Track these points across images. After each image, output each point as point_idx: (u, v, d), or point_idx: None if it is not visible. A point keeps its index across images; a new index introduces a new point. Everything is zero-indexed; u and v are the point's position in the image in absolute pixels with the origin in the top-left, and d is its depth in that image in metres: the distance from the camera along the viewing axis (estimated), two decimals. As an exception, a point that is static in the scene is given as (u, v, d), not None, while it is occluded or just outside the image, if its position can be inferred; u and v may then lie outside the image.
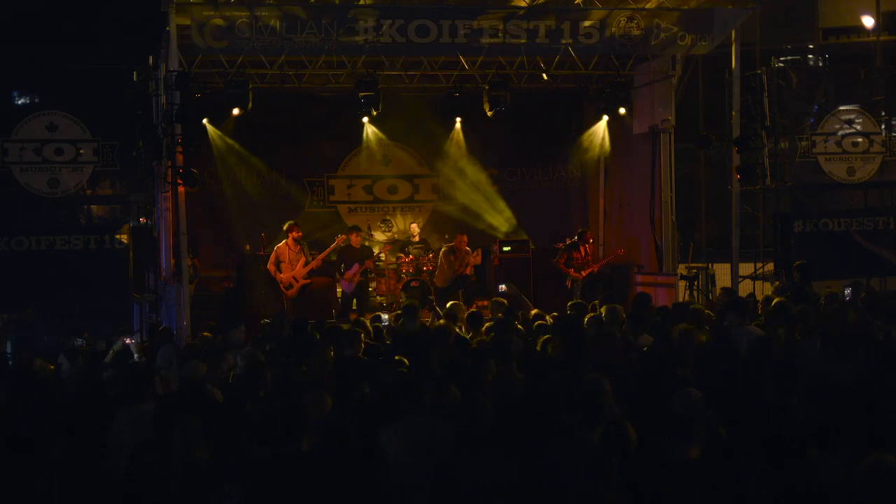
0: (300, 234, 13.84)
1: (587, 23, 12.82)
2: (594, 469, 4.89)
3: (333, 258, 14.54)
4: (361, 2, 12.50)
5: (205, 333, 9.62)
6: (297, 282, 13.68)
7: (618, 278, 15.71)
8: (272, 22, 11.97)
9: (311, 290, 14.08)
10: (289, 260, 13.68)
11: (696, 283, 14.65)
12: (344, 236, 14.51)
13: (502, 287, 14.47)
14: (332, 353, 7.81)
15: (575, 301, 10.83)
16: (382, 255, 15.94)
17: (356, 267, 14.23)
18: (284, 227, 13.90)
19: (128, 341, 11.19)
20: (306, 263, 13.76)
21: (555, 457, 5.14)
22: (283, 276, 13.65)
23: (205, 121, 15.09)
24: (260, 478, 4.94)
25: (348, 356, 7.57)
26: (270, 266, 13.74)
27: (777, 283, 13.76)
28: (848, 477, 4.53)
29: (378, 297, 16.09)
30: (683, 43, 13.11)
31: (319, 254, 14.08)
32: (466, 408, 5.20)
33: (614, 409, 5.47)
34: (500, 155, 17.44)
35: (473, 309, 10.87)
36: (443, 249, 15.14)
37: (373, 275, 16.42)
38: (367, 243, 15.55)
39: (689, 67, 15.01)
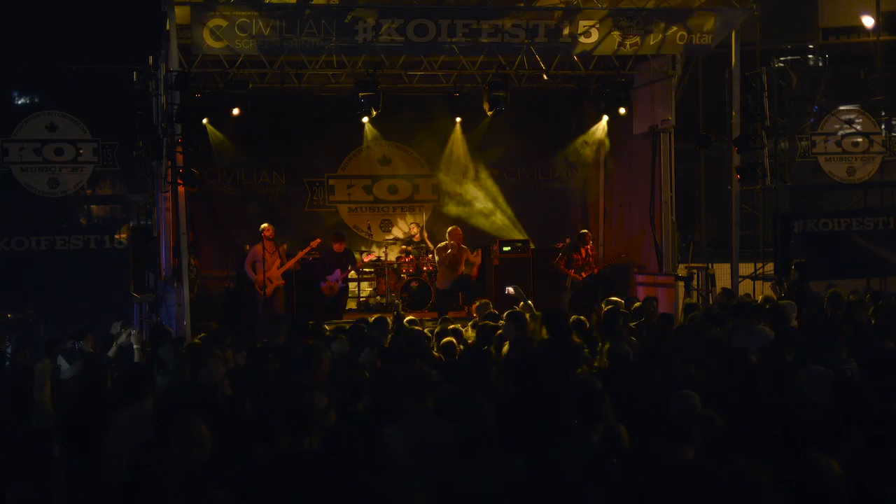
0: (271, 233, 13.88)
1: (587, 23, 12.82)
2: (593, 469, 4.90)
3: (316, 254, 14.65)
4: (361, 1, 12.50)
5: (202, 334, 9.61)
6: (272, 282, 13.73)
7: (618, 279, 15.70)
8: (272, 22, 11.97)
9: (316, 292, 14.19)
10: (263, 260, 13.69)
11: (692, 283, 14.58)
12: (318, 240, 14.57)
13: (509, 290, 14.45)
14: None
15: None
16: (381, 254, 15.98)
17: (338, 273, 14.39)
18: (260, 229, 13.93)
19: (132, 332, 11.17)
20: (281, 264, 13.83)
21: (554, 457, 5.14)
22: (258, 277, 13.67)
23: (205, 121, 15.08)
24: (261, 477, 4.94)
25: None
26: (247, 266, 13.76)
27: (774, 280, 13.76)
28: (847, 476, 4.53)
29: (379, 298, 16.10)
30: (683, 43, 13.11)
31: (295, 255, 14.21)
32: (469, 409, 5.19)
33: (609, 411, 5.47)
34: (500, 155, 17.42)
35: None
36: (438, 246, 15.13)
37: (373, 274, 16.46)
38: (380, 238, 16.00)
39: (689, 67, 15.00)
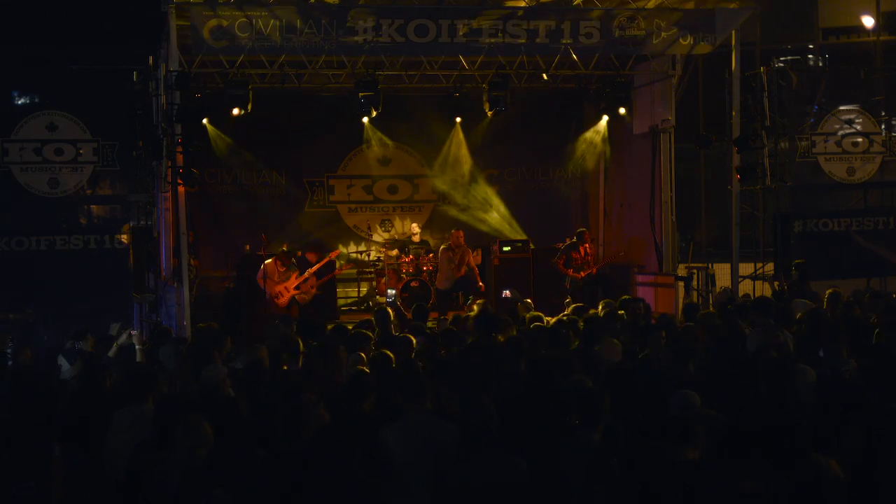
0: (291, 260, 13.66)
1: (587, 23, 12.82)
2: (595, 468, 4.90)
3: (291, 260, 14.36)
4: (361, 1, 12.50)
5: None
6: (288, 292, 13.51)
7: (618, 278, 15.70)
8: (272, 22, 11.98)
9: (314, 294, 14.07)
10: (277, 279, 13.52)
11: (691, 283, 14.53)
12: (338, 251, 14.50)
13: (506, 293, 14.46)
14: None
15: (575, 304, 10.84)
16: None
17: (314, 280, 13.94)
18: (279, 251, 13.71)
19: (133, 332, 11.16)
20: (298, 276, 13.62)
21: (556, 456, 5.15)
22: (275, 289, 13.47)
23: (205, 121, 15.07)
24: (260, 478, 4.94)
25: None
26: (259, 280, 13.58)
27: (777, 283, 13.78)
28: (852, 476, 4.53)
29: (378, 297, 16.11)
30: (685, 43, 13.11)
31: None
32: (469, 408, 5.19)
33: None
34: (500, 155, 17.43)
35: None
36: (441, 248, 15.13)
37: (373, 274, 16.47)
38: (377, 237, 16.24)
39: (689, 67, 15.01)
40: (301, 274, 13.64)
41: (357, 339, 8.15)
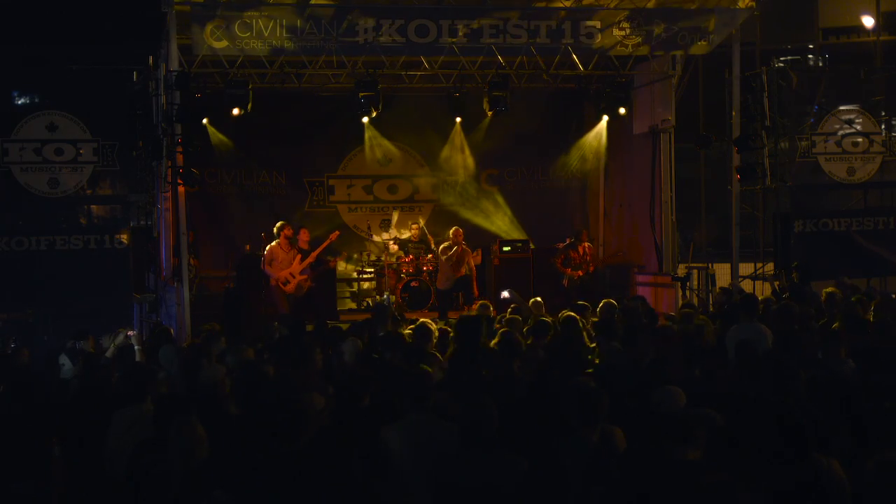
0: (292, 232, 13.78)
1: (588, 23, 12.83)
2: (593, 469, 4.90)
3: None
4: (362, 2, 12.52)
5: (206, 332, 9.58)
6: (294, 278, 13.62)
7: (618, 278, 15.71)
8: (272, 22, 11.99)
9: (311, 290, 14.02)
10: (281, 260, 13.58)
11: (687, 283, 14.51)
12: (338, 232, 14.47)
13: (504, 294, 14.48)
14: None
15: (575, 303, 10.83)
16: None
17: (309, 271, 13.90)
18: (275, 229, 13.76)
19: (130, 333, 11.17)
20: (302, 261, 13.70)
21: (555, 457, 5.14)
22: (280, 274, 13.57)
23: (205, 121, 15.06)
24: (259, 478, 4.94)
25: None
26: (265, 267, 13.62)
27: (777, 283, 13.79)
28: (849, 477, 4.53)
29: (378, 297, 16.11)
30: (683, 43, 13.12)
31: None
32: (471, 409, 5.18)
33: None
34: (500, 155, 17.42)
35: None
36: (441, 246, 15.13)
37: (373, 274, 16.46)
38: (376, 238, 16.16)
39: (689, 67, 15.02)
40: (304, 259, 13.71)
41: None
